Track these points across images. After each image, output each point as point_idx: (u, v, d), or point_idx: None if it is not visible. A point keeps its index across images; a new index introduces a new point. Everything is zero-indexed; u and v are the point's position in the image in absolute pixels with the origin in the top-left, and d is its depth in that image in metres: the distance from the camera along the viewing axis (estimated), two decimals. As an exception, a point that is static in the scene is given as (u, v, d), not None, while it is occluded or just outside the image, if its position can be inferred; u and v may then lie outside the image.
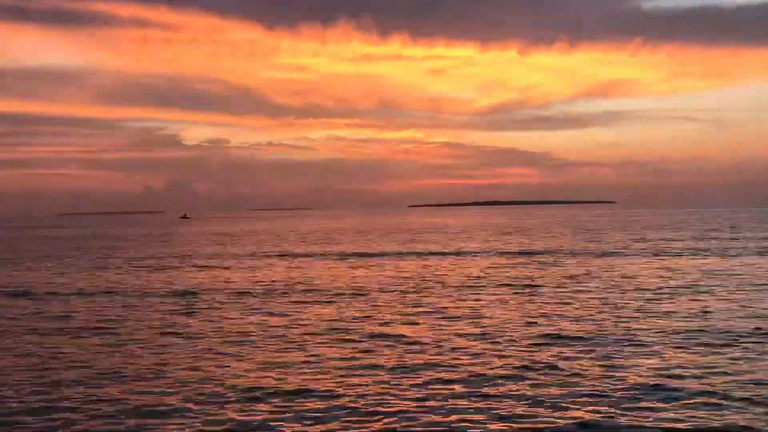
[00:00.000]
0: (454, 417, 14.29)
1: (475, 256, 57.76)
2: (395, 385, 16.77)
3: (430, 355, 19.91)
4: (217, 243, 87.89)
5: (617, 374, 17.25)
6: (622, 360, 18.76)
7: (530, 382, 16.76)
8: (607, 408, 14.66)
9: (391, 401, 15.47)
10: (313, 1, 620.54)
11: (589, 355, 19.40)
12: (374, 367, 18.58)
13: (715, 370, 17.54)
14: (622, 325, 23.99)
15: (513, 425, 13.78)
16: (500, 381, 16.88)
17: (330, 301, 31.71)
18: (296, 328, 24.84)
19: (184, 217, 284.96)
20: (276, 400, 15.70)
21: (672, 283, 35.73)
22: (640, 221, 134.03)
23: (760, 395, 15.32)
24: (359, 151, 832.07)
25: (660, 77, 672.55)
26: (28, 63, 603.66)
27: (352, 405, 15.20)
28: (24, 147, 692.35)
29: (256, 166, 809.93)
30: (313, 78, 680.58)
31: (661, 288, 33.66)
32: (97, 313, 29.40)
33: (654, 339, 21.48)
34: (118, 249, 77.79)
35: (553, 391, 15.93)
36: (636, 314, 26.15)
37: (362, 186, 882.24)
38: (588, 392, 15.78)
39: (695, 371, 17.41)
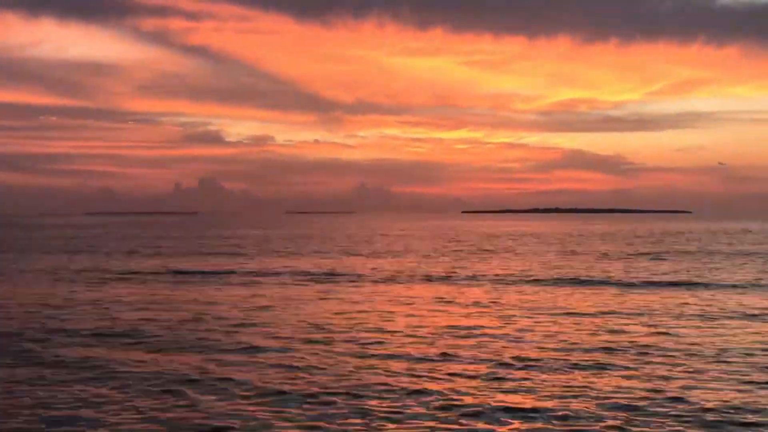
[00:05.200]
0: None
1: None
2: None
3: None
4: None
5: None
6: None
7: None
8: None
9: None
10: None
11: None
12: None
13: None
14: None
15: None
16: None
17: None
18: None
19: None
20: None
21: None
22: None
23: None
24: (412, 150, 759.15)
25: (736, 77, 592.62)
26: (60, 55, 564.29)
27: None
28: (54, 141, 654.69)
29: (299, 165, 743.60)
30: (356, 70, 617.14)
31: None
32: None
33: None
34: None
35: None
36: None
37: (411, 188, 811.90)
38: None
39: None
